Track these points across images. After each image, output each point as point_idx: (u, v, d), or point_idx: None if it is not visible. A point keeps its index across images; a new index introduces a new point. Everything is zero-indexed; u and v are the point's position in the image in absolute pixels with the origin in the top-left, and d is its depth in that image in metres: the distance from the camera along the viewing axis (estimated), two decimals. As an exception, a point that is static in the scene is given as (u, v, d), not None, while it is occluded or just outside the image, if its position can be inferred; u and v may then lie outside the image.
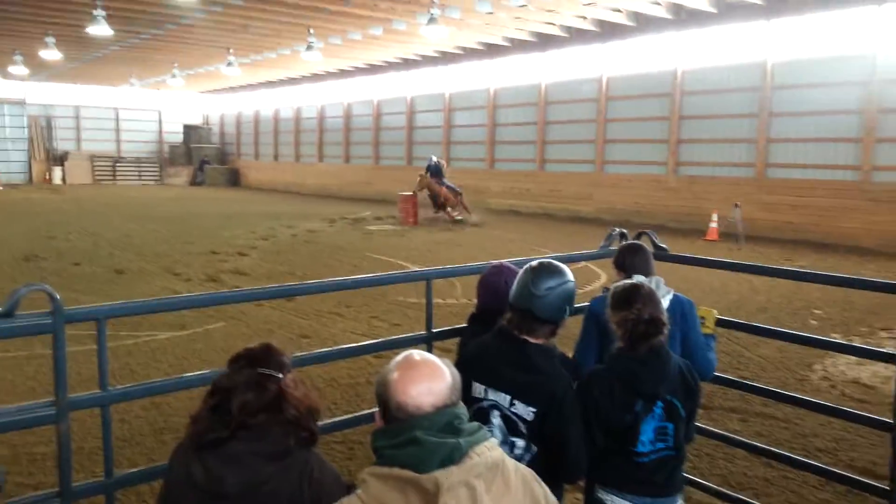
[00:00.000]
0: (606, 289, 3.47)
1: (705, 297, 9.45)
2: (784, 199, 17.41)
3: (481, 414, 2.48)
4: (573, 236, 17.19)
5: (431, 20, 17.05)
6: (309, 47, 21.64)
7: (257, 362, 1.85)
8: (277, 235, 17.34)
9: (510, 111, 25.35)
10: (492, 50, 24.40)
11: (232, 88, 40.04)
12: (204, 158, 42.12)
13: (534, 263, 2.65)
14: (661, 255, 3.87)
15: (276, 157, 39.52)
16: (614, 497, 2.66)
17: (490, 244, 15.76)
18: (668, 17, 18.74)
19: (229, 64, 26.05)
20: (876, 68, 15.81)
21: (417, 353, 1.69)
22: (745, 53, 18.37)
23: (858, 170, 16.27)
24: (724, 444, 4.47)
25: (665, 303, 2.94)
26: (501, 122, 25.77)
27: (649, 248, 3.59)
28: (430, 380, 1.60)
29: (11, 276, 11.26)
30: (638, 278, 3.12)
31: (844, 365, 6.95)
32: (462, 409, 1.62)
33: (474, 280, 3.18)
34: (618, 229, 3.96)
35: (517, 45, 23.45)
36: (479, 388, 2.54)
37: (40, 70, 30.37)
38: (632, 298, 2.60)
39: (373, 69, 29.87)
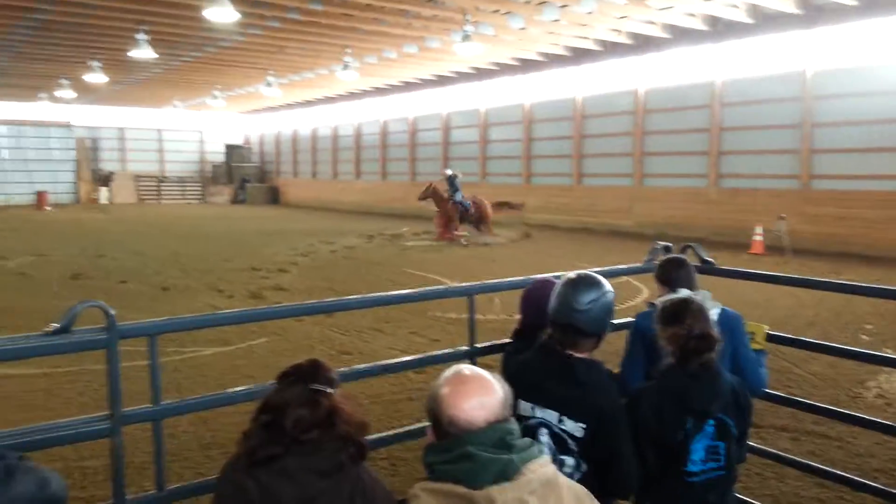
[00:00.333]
0: (651, 304, 3.42)
1: (751, 313, 9.22)
2: (830, 210, 17.01)
3: (529, 432, 2.45)
4: (612, 250, 17.02)
5: (465, 37, 17.17)
6: (345, 66, 22.01)
7: (307, 378, 1.86)
8: (317, 252, 17.54)
9: (546, 125, 25.32)
10: (526, 65, 24.44)
11: (271, 108, 40.83)
12: (244, 177, 43.00)
13: (571, 276, 2.62)
14: (708, 268, 3.80)
15: (314, 175, 40.09)
16: (665, 517, 2.60)
17: (528, 259, 15.69)
18: (704, 28, 18.56)
19: (268, 84, 26.62)
20: (922, 75, 15.42)
21: (467, 368, 1.68)
22: (785, 63, 18.09)
23: (906, 179, 15.85)
24: (776, 462, 4.34)
25: (713, 317, 2.89)
26: (537, 137, 25.74)
27: (694, 261, 3.53)
28: (481, 394, 1.59)
29: (61, 294, 11.58)
30: (683, 293, 3.07)
31: (899, 381, 6.72)
32: (514, 425, 1.61)
33: (513, 295, 3.16)
34: (662, 243, 3.90)
35: (551, 60, 23.45)
36: (525, 406, 2.51)
37: (86, 93, 31.36)
38: (682, 314, 2.55)
39: (408, 86, 30.16)
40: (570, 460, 2.43)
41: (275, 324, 8.77)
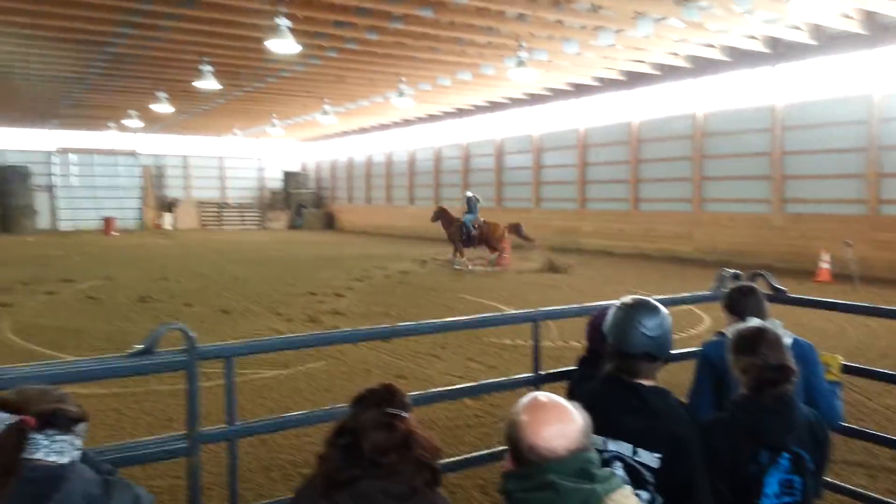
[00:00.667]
0: (720, 333, 3.36)
1: (821, 343, 8.86)
2: (900, 236, 16.34)
3: (603, 466, 2.41)
4: (671, 277, 16.69)
5: (520, 63, 17.26)
6: (400, 94, 22.40)
7: (382, 402, 1.88)
8: (371, 276, 17.74)
9: (601, 150, 25.14)
10: (580, 89, 24.41)
11: (327, 136, 41.83)
12: (301, 203, 44.01)
13: (627, 301, 2.58)
14: (779, 297, 3.70)
15: (368, 201, 40.70)
16: (739, 553, 2.52)
17: (584, 286, 15.52)
18: (765, 50, 18.24)
19: (325, 113, 27.29)
20: None
21: (543, 395, 1.69)
22: (849, 86, 17.56)
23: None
24: (852, 499, 4.15)
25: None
26: (592, 162, 25.56)
27: (765, 289, 3.45)
28: (560, 422, 1.59)
29: (128, 317, 12.01)
30: (753, 322, 3.00)
31: (983, 417, 6.36)
32: (594, 455, 1.60)
33: (570, 323, 3.16)
34: (730, 270, 3.82)
35: (606, 84, 23.37)
36: (596, 440, 2.48)
37: (152, 122, 32.72)
38: (757, 343, 2.50)
39: (461, 112, 30.46)
40: (644, 494, 2.37)
41: (332, 347, 8.88)
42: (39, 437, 1.75)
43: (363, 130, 38.13)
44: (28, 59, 19.12)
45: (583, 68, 21.18)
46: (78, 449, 1.82)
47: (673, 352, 2.57)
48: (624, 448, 2.40)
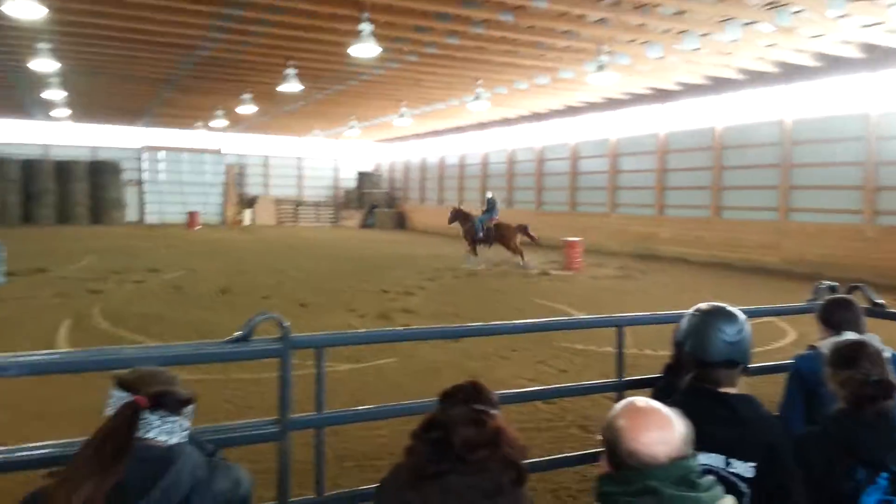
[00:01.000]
0: (813, 346, 3.24)
1: (912, 362, 8.43)
2: None
3: None
4: (752, 287, 16.08)
5: (600, 68, 17.01)
6: (476, 97, 22.45)
7: (471, 398, 1.90)
8: (441, 277, 17.85)
9: (681, 156, 24.49)
10: (661, 94, 23.87)
11: (401, 137, 42.36)
12: (374, 203, 44.81)
13: (703, 307, 2.52)
14: (878, 311, 3.54)
15: (440, 202, 40.97)
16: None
17: (660, 293, 15.17)
18: (860, 56, 17.37)
19: (401, 115, 27.64)
20: None
21: (641, 400, 1.67)
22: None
23: None
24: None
25: (886, 363, 2.70)
26: (672, 168, 24.93)
27: (863, 303, 3.31)
28: (660, 429, 1.57)
29: (209, 307, 12.51)
30: (849, 335, 2.90)
31: None
32: (696, 463, 1.58)
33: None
34: (826, 282, 3.68)
35: (689, 89, 22.77)
36: None
37: (236, 123, 33.95)
38: (857, 357, 2.41)
39: (536, 116, 30.28)
40: None
41: (404, 345, 8.99)
42: (153, 418, 1.82)
43: (437, 133, 38.41)
44: (122, 61, 20.13)
45: (665, 72, 20.70)
46: (185, 430, 1.89)
47: (756, 364, 2.50)
48: (716, 460, 2.33)
